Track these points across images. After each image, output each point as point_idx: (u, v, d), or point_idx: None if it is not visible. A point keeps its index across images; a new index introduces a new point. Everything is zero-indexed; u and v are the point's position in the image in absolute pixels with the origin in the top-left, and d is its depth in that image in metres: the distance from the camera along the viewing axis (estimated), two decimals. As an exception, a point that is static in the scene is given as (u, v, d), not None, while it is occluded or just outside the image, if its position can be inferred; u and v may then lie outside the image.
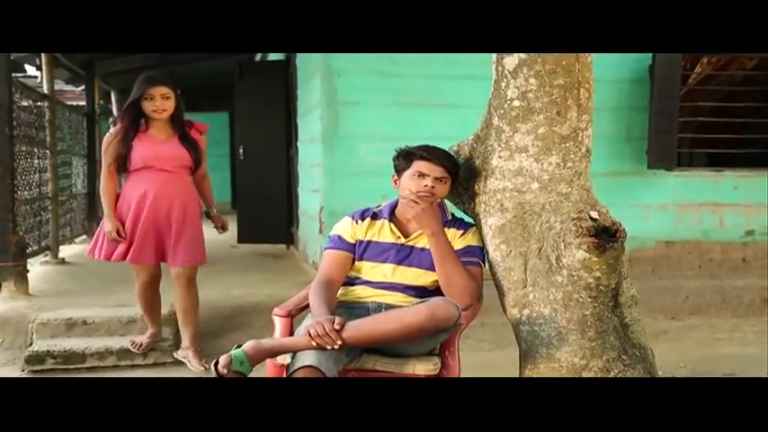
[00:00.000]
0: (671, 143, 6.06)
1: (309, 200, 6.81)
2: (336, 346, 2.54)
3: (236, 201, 8.68)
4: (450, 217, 3.04)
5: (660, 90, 5.94)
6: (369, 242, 3.01)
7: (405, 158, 2.97)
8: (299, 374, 2.53)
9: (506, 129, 2.83)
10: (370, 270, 3.00)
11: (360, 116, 5.81)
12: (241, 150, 8.15)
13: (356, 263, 3.02)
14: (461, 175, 3.03)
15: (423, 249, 2.96)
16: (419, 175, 2.90)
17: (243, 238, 8.18)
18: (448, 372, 2.78)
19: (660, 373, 3.04)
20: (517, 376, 2.86)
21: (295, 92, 7.58)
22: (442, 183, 2.93)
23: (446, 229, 2.96)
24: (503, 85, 2.84)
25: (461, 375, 2.84)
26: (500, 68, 2.85)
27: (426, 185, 2.89)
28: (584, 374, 2.64)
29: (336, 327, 2.55)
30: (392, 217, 3.04)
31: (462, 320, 2.75)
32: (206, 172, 4.41)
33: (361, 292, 3.00)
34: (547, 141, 2.78)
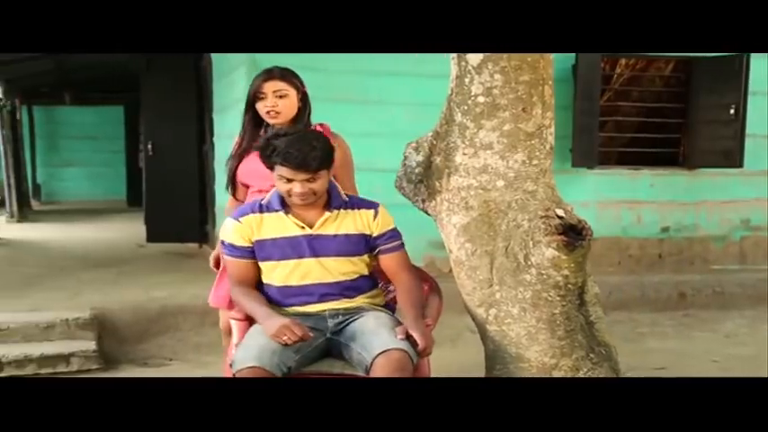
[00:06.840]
0: (592, 142, 6.20)
1: (227, 197, 6.59)
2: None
3: (145, 199, 8.35)
4: (345, 198, 2.76)
5: (583, 90, 6.05)
6: (267, 240, 2.70)
7: (267, 157, 2.61)
8: (243, 374, 2.43)
9: (471, 125, 2.77)
10: (282, 272, 2.71)
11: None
12: (149, 146, 7.84)
13: (261, 265, 2.74)
14: (420, 173, 2.93)
15: (335, 236, 2.71)
16: (285, 180, 2.60)
17: (152, 237, 7.89)
18: (417, 370, 2.70)
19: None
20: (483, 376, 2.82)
21: (210, 86, 7.33)
22: (311, 182, 2.59)
23: (353, 211, 2.73)
24: (466, 80, 2.78)
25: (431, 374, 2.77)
26: (463, 64, 2.79)
27: (295, 190, 2.60)
28: (555, 373, 2.63)
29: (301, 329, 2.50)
30: (286, 208, 2.70)
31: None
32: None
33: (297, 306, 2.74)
34: (512, 138, 2.75)
